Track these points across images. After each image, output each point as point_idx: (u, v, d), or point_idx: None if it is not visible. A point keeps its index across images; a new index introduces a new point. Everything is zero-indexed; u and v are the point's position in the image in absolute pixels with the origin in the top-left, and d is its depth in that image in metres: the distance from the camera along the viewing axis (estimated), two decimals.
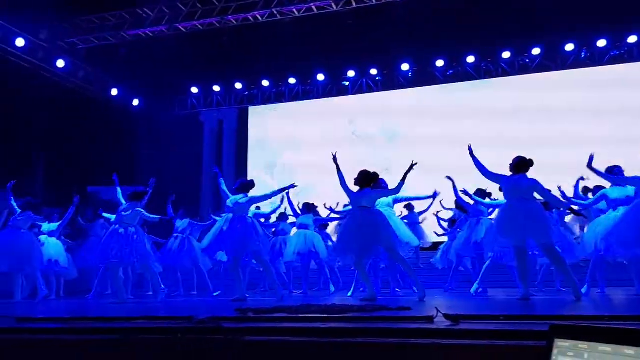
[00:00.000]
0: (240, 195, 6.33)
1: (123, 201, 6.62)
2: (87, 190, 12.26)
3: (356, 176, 5.80)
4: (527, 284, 5.25)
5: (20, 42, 10.87)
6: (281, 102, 14.14)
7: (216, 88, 14.17)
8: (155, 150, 13.79)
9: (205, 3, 10.95)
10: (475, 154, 5.53)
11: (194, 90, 14.29)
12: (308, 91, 13.94)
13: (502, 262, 6.66)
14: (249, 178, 13.84)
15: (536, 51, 12.01)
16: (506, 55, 12.20)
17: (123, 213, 6.41)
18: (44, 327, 2.92)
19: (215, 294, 8.16)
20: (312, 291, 8.34)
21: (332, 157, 5.82)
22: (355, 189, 5.81)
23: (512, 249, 5.38)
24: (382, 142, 13.01)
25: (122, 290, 6.41)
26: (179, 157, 13.32)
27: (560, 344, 1.11)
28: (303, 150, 13.36)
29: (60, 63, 11.83)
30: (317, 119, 13.56)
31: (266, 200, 6.66)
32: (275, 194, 6.62)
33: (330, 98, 13.72)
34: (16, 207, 7.21)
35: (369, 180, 5.80)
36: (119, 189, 6.78)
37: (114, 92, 13.54)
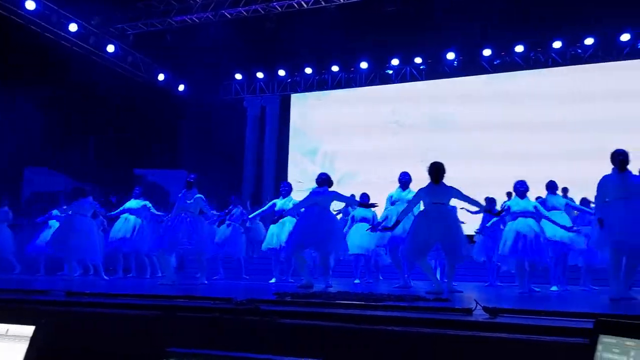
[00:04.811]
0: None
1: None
2: (133, 172, 12.64)
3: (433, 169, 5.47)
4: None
5: (73, 27, 11.24)
6: (323, 89, 14.11)
7: (259, 75, 14.27)
8: (199, 135, 14.06)
9: None
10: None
11: (238, 76, 14.43)
12: (351, 79, 13.84)
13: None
14: (289, 164, 14.04)
15: (589, 41, 11.53)
16: (557, 45, 11.75)
17: (187, 201, 6.55)
18: (90, 301, 3.05)
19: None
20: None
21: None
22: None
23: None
24: (424, 132, 12.80)
25: (173, 272, 6.65)
26: (222, 141, 13.52)
27: (605, 340, 1.08)
28: (344, 137, 13.30)
29: (110, 48, 12.17)
30: (360, 107, 13.44)
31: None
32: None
33: (373, 86, 13.60)
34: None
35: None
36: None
37: (161, 77, 13.84)
